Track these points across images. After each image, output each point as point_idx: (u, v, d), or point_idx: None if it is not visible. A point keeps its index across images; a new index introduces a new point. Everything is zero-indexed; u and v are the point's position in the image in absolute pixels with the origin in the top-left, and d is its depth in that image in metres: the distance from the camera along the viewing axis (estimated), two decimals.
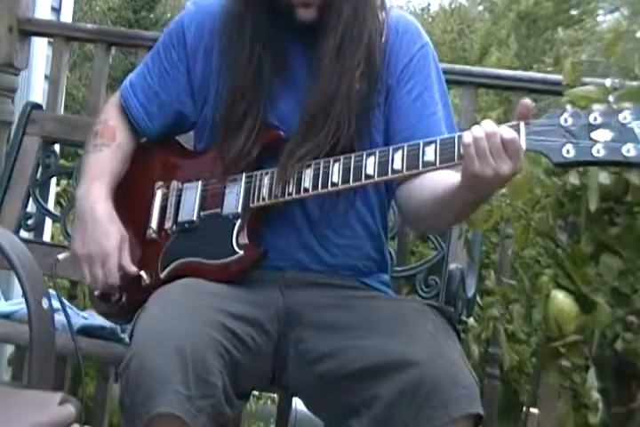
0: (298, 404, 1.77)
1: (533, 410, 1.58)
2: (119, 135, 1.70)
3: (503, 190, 1.46)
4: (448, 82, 2.50)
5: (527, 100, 1.35)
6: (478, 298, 1.95)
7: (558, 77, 1.87)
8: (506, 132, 1.31)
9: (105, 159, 1.67)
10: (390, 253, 2.09)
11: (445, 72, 2.38)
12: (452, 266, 1.89)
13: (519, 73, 2.57)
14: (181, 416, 1.27)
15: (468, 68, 2.55)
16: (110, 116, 1.73)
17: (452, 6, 19.23)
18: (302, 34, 1.59)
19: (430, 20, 18.80)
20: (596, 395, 1.30)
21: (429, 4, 19.52)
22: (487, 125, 1.31)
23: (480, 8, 19.25)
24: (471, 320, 1.54)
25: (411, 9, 19.06)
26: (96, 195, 1.61)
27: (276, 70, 1.58)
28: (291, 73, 1.59)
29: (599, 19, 18.25)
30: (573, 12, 17.83)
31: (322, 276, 1.58)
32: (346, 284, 1.60)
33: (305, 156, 1.50)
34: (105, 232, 1.56)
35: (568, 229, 1.42)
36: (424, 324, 1.44)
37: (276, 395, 3.00)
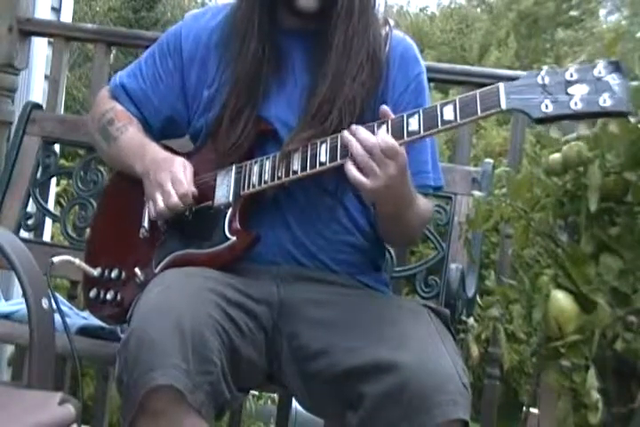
0: (298, 404, 1.77)
1: (533, 410, 1.58)
2: (132, 115, 1.74)
3: (503, 190, 1.46)
4: (448, 82, 2.52)
5: None
6: (478, 298, 1.94)
7: None
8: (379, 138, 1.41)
9: (137, 134, 1.70)
10: (390, 252, 2.09)
11: (445, 72, 2.41)
12: (452, 266, 1.89)
13: (519, 73, 2.56)
14: (180, 389, 1.26)
15: (467, 68, 2.55)
16: (114, 104, 1.76)
17: (452, 6, 19.25)
18: (303, 34, 1.62)
19: (429, 20, 18.82)
20: (595, 395, 1.29)
21: (427, 7, 19.53)
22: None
23: (478, 10, 19.27)
24: (471, 320, 1.53)
25: (410, 9, 19.07)
26: (153, 154, 1.65)
27: (273, 70, 1.61)
28: (286, 74, 1.62)
29: (600, 20, 18.28)
30: (574, 13, 17.84)
31: (317, 271, 1.60)
32: (343, 282, 1.61)
33: (309, 138, 1.52)
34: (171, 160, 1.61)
35: (568, 229, 1.41)
36: (417, 326, 1.44)
37: (276, 395, 3.00)
